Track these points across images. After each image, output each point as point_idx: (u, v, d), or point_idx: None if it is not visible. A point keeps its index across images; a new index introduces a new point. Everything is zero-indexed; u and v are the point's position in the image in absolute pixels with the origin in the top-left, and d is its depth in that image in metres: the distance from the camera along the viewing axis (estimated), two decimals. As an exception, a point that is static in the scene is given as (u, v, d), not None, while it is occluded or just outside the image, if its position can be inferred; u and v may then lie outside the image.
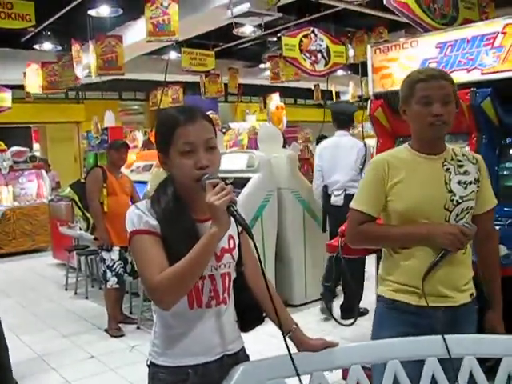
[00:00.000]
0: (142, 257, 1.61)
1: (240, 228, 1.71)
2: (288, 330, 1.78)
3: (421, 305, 2.10)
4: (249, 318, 1.84)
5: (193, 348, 1.69)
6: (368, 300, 3.49)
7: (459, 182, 2.13)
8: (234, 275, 1.78)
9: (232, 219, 1.55)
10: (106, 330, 5.40)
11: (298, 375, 1.61)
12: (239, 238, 1.77)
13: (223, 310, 1.74)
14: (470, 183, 2.15)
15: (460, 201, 2.12)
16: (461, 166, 2.17)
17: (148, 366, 1.77)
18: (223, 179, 1.60)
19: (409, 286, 2.15)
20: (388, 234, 2.22)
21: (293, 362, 1.59)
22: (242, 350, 1.84)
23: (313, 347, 1.78)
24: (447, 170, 2.15)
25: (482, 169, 2.22)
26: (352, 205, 2.27)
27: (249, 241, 1.74)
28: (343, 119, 5.49)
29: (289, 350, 1.61)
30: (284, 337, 1.64)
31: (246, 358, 1.84)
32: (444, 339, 1.82)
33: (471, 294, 2.19)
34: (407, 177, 2.14)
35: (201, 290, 1.68)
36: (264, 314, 1.86)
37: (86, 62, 9.53)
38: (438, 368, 1.80)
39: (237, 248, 1.76)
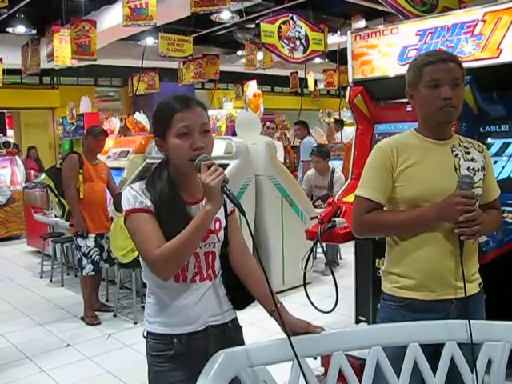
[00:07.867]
0: (140, 232, 1.74)
1: (229, 210, 1.90)
2: (271, 309, 1.83)
3: (435, 299, 2.03)
4: (238, 297, 1.94)
5: (177, 318, 1.81)
6: (345, 285, 3.50)
7: (468, 169, 2.07)
8: (218, 255, 1.90)
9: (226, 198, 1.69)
10: (82, 318, 5.35)
11: (296, 358, 1.62)
12: (226, 220, 1.90)
13: (208, 285, 1.85)
14: (478, 170, 2.09)
15: None
16: (468, 153, 2.11)
17: (144, 336, 1.89)
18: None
19: (420, 280, 2.05)
20: (399, 220, 2.07)
21: (291, 345, 1.60)
22: (232, 321, 1.93)
23: (295, 326, 1.78)
24: (456, 155, 2.08)
25: (487, 157, 2.17)
26: (358, 192, 2.13)
27: (235, 223, 1.96)
28: None
29: (287, 335, 1.63)
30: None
31: (236, 329, 1.95)
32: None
33: (479, 284, 2.13)
34: (418, 162, 2.04)
35: (186, 265, 1.80)
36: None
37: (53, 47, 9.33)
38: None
39: (223, 230, 1.88)
